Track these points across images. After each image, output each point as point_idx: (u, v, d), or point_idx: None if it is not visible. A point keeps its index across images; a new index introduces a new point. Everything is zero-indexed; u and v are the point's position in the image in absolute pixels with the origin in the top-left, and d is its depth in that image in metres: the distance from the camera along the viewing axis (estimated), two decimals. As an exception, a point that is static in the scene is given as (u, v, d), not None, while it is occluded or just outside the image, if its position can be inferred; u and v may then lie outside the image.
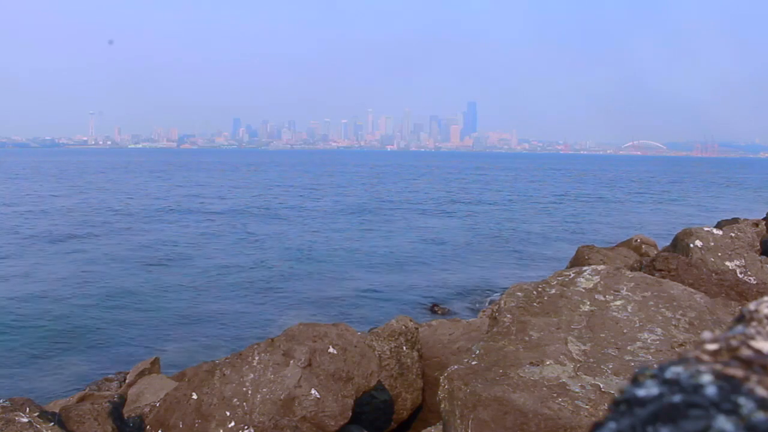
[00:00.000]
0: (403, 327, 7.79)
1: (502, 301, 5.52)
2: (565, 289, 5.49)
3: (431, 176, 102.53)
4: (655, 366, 0.80)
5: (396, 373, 7.44)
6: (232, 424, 6.04)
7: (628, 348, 4.71)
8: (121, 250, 27.77)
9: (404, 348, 7.62)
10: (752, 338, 0.82)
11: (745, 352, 0.79)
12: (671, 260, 7.78)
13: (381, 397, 7.29)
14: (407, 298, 20.33)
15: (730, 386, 0.73)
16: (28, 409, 5.88)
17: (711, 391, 0.72)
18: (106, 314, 18.00)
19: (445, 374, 4.75)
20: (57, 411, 6.48)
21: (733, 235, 9.09)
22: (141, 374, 10.82)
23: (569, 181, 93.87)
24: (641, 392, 0.75)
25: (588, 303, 5.27)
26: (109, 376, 12.54)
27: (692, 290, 5.62)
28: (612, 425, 0.72)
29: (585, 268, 5.87)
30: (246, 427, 5.98)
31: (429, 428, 5.91)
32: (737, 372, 0.75)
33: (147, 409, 7.15)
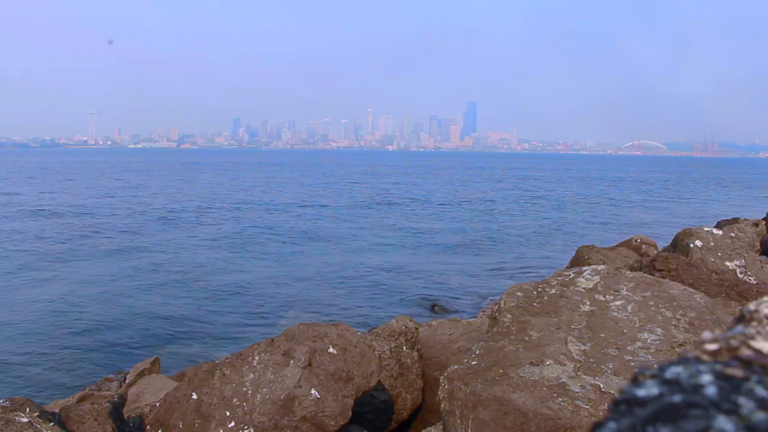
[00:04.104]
0: (403, 327, 7.79)
1: (502, 301, 5.52)
2: (565, 289, 5.49)
3: (431, 177, 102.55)
4: (655, 366, 0.80)
5: (396, 373, 7.44)
6: (232, 424, 6.04)
7: (628, 348, 4.71)
8: (121, 251, 27.78)
9: (404, 348, 7.62)
10: (752, 338, 0.82)
11: (745, 352, 0.79)
12: (671, 260, 7.78)
13: (381, 397, 7.29)
14: (407, 298, 20.33)
15: (730, 386, 0.73)
16: (28, 409, 5.88)
17: (711, 391, 0.72)
18: (106, 314, 18.00)
19: (445, 374, 4.75)
20: (57, 411, 6.48)
21: (733, 235, 9.09)
22: (141, 374, 10.81)
23: (569, 180, 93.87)
24: (641, 392, 0.75)
25: (588, 303, 5.27)
26: (109, 376, 12.52)
27: (692, 290, 5.62)
28: (612, 425, 0.72)
29: (585, 268, 5.87)
30: (246, 427, 5.98)
31: (429, 428, 5.90)
32: (737, 372, 0.75)
33: (147, 409, 7.15)
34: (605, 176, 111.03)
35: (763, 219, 14.14)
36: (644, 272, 6.84)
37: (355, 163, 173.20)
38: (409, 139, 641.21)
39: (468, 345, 7.32)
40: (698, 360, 0.79)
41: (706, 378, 0.74)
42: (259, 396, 6.14)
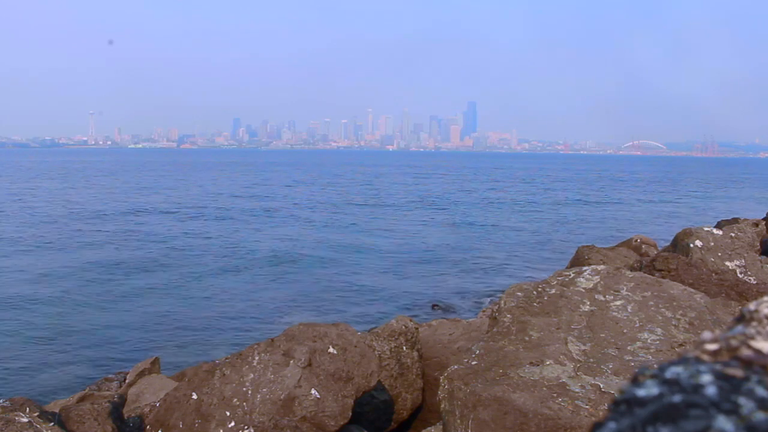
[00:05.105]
0: (403, 327, 7.79)
1: (502, 301, 5.52)
2: (565, 289, 5.49)
3: (431, 177, 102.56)
4: (655, 366, 0.80)
5: (396, 373, 7.44)
6: (232, 424, 6.04)
7: (628, 348, 4.71)
8: (121, 251, 27.78)
9: (404, 348, 7.62)
10: (752, 338, 0.82)
11: (745, 352, 0.79)
12: (671, 260, 7.78)
13: (381, 397, 7.29)
14: (407, 298, 20.33)
15: (730, 386, 0.72)
16: (28, 409, 5.88)
17: (711, 391, 0.72)
18: (106, 314, 18.00)
19: (445, 374, 4.75)
20: (57, 411, 6.48)
21: (733, 235, 9.09)
22: (141, 374, 10.81)
23: (569, 180, 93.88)
24: (641, 392, 0.75)
25: (588, 303, 5.27)
26: (109, 376, 12.53)
27: (692, 290, 5.62)
28: (612, 425, 0.72)
29: (585, 268, 5.87)
30: (246, 427, 5.98)
31: (429, 428, 5.90)
32: (737, 372, 0.75)
33: (147, 409, 7.14)
34: (605, 176, 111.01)
35: (763, 219, 14.14)
36: (644, 272, 6.84)
37: (355, 162, 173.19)
38: (409, 139, 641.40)
39: (468, 345, 7.32)
40: (698, 360, 0.79)
41: (706, 378, 0.74)
42: (259, 396, 6.14)
